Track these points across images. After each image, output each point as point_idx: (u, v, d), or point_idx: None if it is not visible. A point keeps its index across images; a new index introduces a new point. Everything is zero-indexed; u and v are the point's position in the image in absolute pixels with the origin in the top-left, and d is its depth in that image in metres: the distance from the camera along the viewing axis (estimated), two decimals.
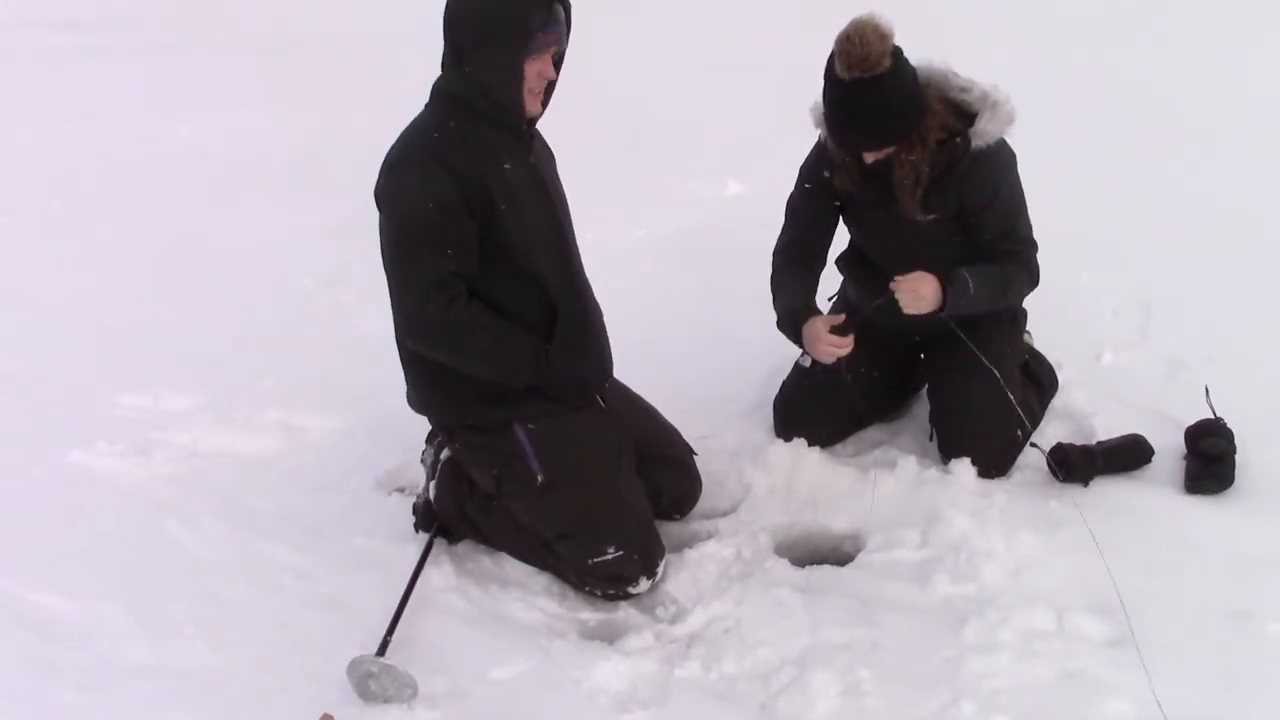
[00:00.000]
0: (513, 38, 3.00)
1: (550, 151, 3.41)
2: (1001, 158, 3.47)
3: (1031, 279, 3.56)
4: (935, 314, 3.36)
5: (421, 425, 3.68)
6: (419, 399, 3.39)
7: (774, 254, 3.76)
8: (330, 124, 7.72)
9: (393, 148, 3.15)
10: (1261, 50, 7.91)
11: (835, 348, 3.42)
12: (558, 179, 3.38)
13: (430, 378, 3.28)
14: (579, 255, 3.40)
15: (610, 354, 3.48)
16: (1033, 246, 3.57)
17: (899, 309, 3.35)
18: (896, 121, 3.30)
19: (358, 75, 8.92)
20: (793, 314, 3.56)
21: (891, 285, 3.35)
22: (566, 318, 3.27)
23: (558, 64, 3.16)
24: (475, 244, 3.10)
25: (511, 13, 2.99)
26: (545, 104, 3.20)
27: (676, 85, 8.12)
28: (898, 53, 3.25)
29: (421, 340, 3.21)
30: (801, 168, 3.71)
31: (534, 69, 3.07)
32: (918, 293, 3.35)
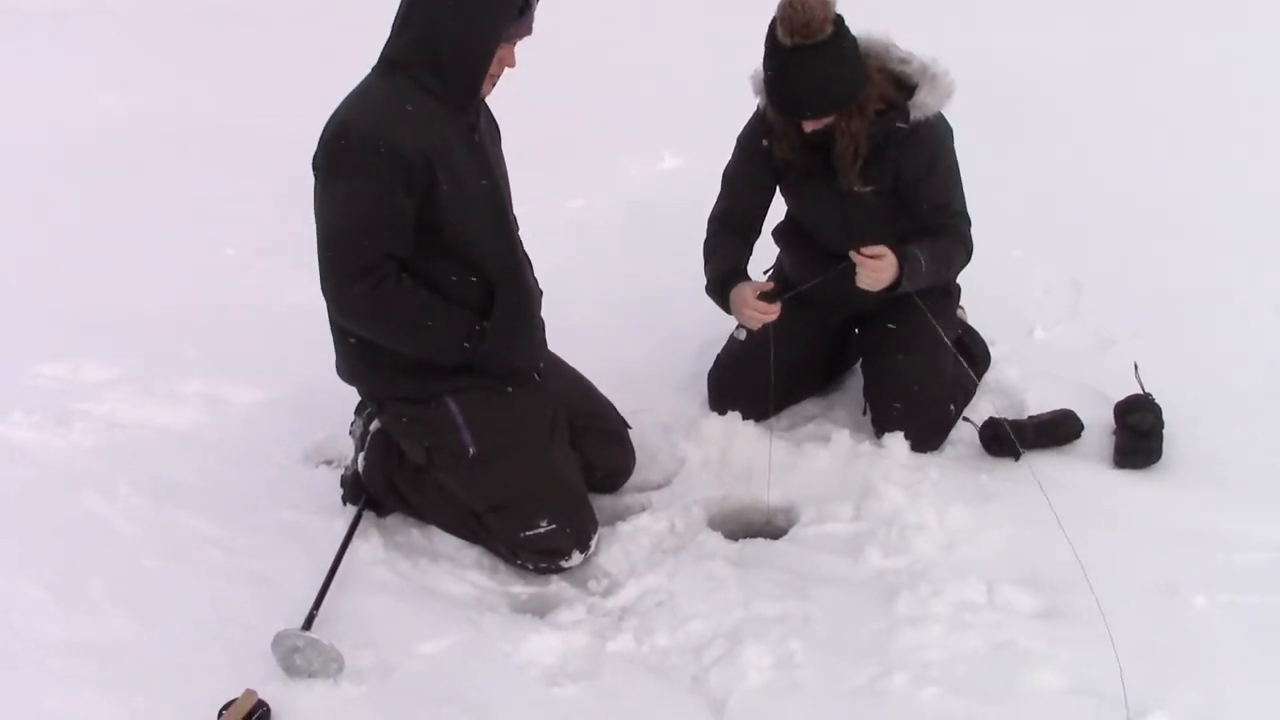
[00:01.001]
0: (495, 18, 2.93)
1: (496, 126, 3.33)
2: (939, 131, 3.46)
3: (967, 253, 3.56)
4: (888, 290, 3.34)
5: (349, 397, 3.62)
6: (348, 369, 3.32)
7: (709, 222, 3.73)
8: (256, 94, 7.58)
9: (335, 116, 3.03)
10: (1203, 34, 7.99)
11: (761, 314, 3.39)
12: (501, 156, 3.30)
13: (360, 348, 3.21)
14: (519, 235, 3.33)
15: (544, 334, 3.43)
16: (967, 221, 3.57)
17: (853, 281, 3.32)
18: (837, 90, 3.28)
19: (286, 44, 8.77)
20: (721, 279, 3.53)
21: (854, 257, 3.28)
22: (503, 301, 3.20)
23: None
24: (411, 226, 3.01)
25: None
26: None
27: (613, 55, 8.07)
28: (839, 21, 3.22)
29: (347, 319, 3.14)
30: (739, 137, 3.68)
31: (506, 53, 3.01)
32: (879, 268, 3.28)
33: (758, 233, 3.74)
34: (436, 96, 2.99)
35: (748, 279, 3.54)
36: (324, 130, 3.02)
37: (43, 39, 9.20)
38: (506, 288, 3.21)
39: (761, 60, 3.32)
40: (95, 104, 7.52)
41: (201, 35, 9.19)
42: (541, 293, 3.39)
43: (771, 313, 3.39)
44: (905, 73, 3.43)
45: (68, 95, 7.68)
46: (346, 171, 2.96)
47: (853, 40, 3.29)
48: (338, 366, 3.35)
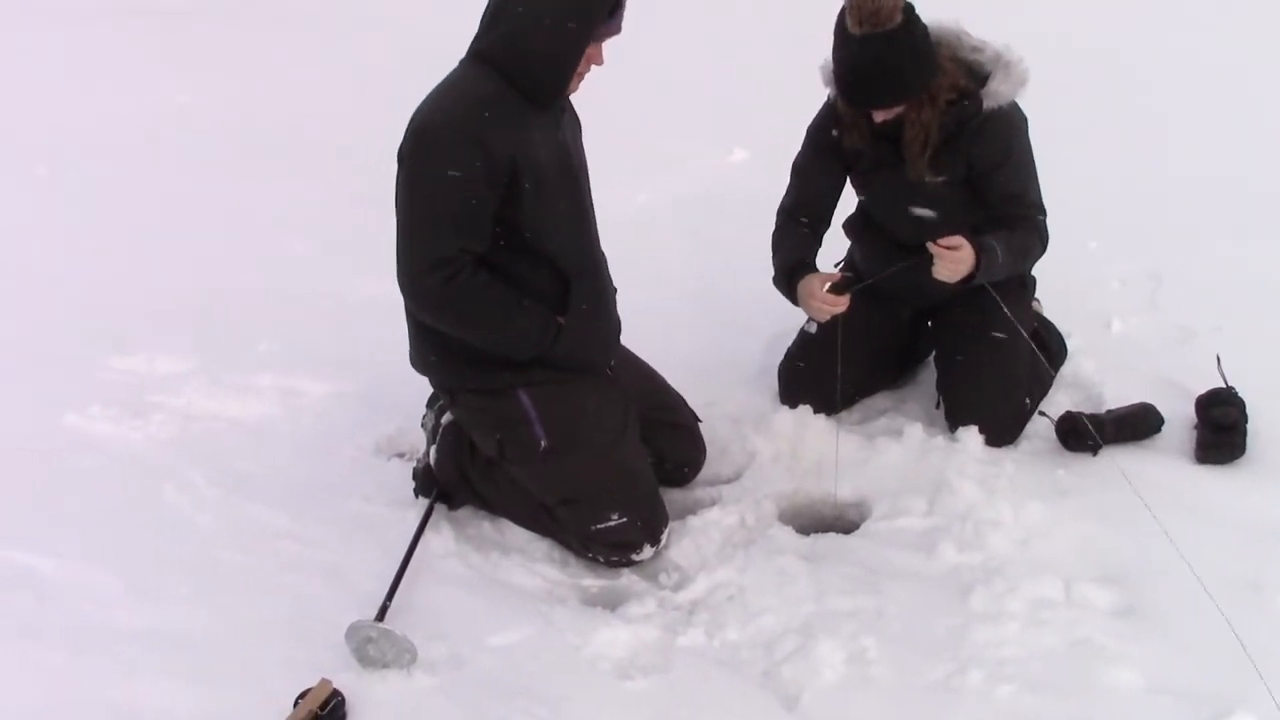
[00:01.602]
0: (587, 17, 2.93)
1: (578, 121, 3.32)
2: (1013, 119, 3.41)
3: (1042, 244, 3.50)
4: (964, 282, 3.29)
5: (420, 391, 3.64)
6: (421, 359, 3.32)
7: (777, 213, 3.70)
8: (328, 94, 7.64)
9: (423, 107, 3.03)
10: None
11: (829, 306, 3.36)
12: (583, 153, 3.29)
13: (433, 339, 3.21)
14: (597, 233, 3.33)
15: (619, 330, 3.43)
16: (1042, 212, 3.51)
17: (928, 273, 3.28)
18: (907, 79, 3.24)
19: (358, 47, 8.83)
20: (789, 271, 3.51)
21: (931, 248, 3.23)
22: (579, 297, 3.19)
23: None
24: (491, 221, 3.01)
25: None
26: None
27: (683, 49, 8.05)
28: (909, 9, 3.18)
29: (421, 310, 3.14)
30: (809, 128, 3.64)
31: (594, 52, 3.01)
32: (957, 259, 3.22)
33: (827, 224, 3.70)
34: (524, 93, 2.98)
35: (816, 270, 3.51)
36: (411, 120, 3.03)
37: (124, 38, 9.33)
38: (583, 284, 3.20)
39: (830, 50, 3.29)
40: (171, 103, 7.62)
41: (270, 38, 9.28)
42: (615, 289, 3.39)
43: (840, 305, 3.36)
44: (978, 61, 3.38)
45: (143, 94, 7.78)
46: (431, 163, 2.96)
47: (923, 29, 3.25)
48: (411, 356, 3.35)
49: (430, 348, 3.24)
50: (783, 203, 3.71)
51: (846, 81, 3.29)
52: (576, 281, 3.18)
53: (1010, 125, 3.41)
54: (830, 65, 3.35)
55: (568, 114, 3.22)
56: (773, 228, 3.67)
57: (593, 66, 3.06)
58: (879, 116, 3.35)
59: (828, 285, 3.38)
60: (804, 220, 3.65)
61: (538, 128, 3.04)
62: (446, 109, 2.99)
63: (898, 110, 3.32)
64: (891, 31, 3.14)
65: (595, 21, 2.95)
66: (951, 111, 3.34)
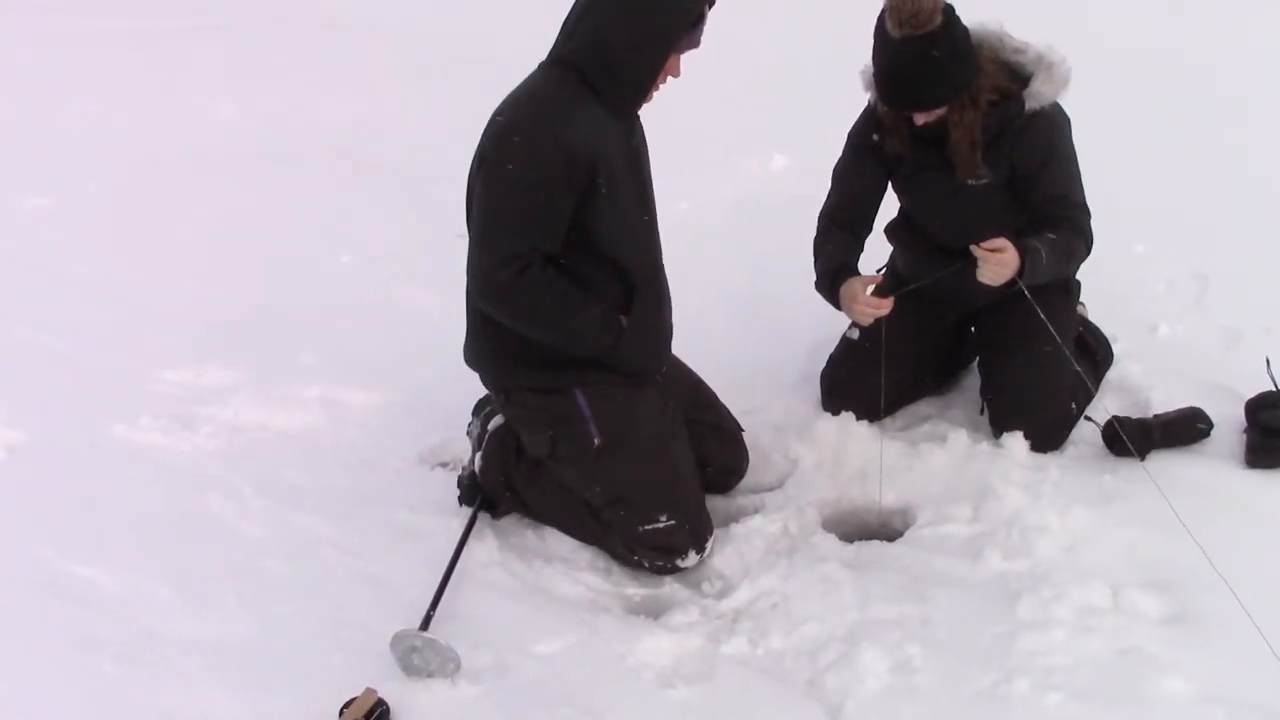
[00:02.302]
0: (669, 29, 2.97)
1: (644, 134, 3.33)
2: (1056, 120, 3.39)
3: (1087, 246, 3.47)
4: (1008, 285, 3.27)
5: (465, 400, 3.66)
6: (477, 356, 3.34)
7: (818, 219, 3.70)
8: (368, 105, 7.69)
9: (505, 112, 3.07)
10: None
11: (872, 309, 3.35)
12: (649, 162, 3.32)
13: (494, 335, 3.23)
14: (660, 243, 3.35)
15: (671, 337, 3.44)
16: (1086, 213, 3.49)
17: (973, 276, 3.25)
18: (948, 81, 3.22)
19: (398, 56, 8.89)
20: (831, 274, 3.49)
21: (975, 251, 3.21)
22: (642, 302, 3.21)
23: None
24: (565, 224, 3.04)
25: (674, 4, 2.96)
26: None
27: (723, 55, 8.03)
28: (949, 10, 3.17)
29: (491, 303, 3.15)
30: (850, 133, 3.64)
31: (672, 66, 3.04)
32: (1001, 261, 3.20)
33: (869, 229, 3.69)
34: (603, 101, 3.02)
35: (858, 274, 3.50)
36: (491, 122, 3.07)
37: (167, 53, 9.43)
38: (646, 290, 3.23)
39: (870, 54, 3.28)
40: (214, 117, 7.70)
41: (313, 48, 9.36)
42: (671, 300, 3.40)
43: (884, 308, 3.34)
44: (1020, 62, 3.36)
45: (188, 110, 7.86)
46: (513, 163, 2.99)
47: (964, 30, 3.24)
48: (466, 352, 3.37)
49: (488, 344, 3.26)
50: (824, 208, 3.70)
51: (887, 84, 3.29)
52: (640, 287, 3.20)
53: (1053, 125, 3.39)
54: (870, 69, 3.34)
55: (639, 123, 3.25)
56: (814, 234, 3.66)
57: (669, 78, 3.08)
58: (920, 119, 3.33)
59: (871, 288, 3.36)
60: (845, 225, 3.64)
61: (614, 133, 3.08)
62: (529, 110, 3.03)
63: (939, 112, 3.30)
64: (932, 33, 3.13)
65: (678, 33, 2.98)
66: (994, 113, 3.32)
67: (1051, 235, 3.33)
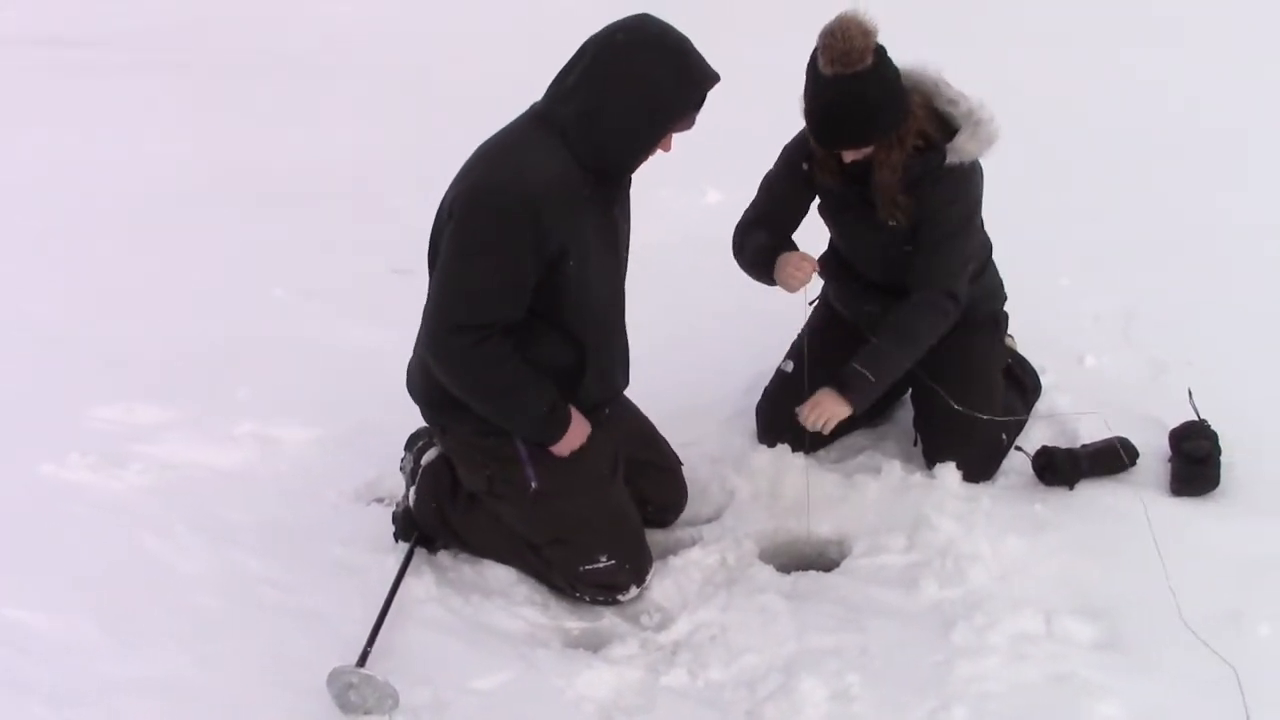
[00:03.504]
0: (674, 110, 2.94)
1: (629, 203, 3.29)
2: (968, 179, 3.42)
3: (943, 317, 3.47)
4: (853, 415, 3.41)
5: (399, 435, 3.64)
6: (418, 388, 3.28)
7: (738, 225, 3.68)
8: (309, 142, 7.64)
9: (480, 167, 2.99)
10: (1255, 55, 7.95)
11: (806, 264, 3.40)
12: (629, 228, 3.28)
13: None
14: (624, 311, 3.33)
15: (622, 385, 3.45)
16: (951, 279, 3.49)
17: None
18: (876, 120, 3.27)
19: (332, 93, 8.86)
20: (764, 250, 3.51)
21: (796, 411, 3.39)
22: (590, 371, 3.19)
23: None
24: (530, 292, 2.98)
25: (679, 87, 2.92)
26: None
27: None
28: (880, 51, 3.22)
29: (438, 364, 3.08)
30: (785, 146, 3.64)
31: (665, 141, 3.01)
32: (820, 409, 3.36)
33: (789, 241, 3.65)
34: (587, 169, 2.96)
35: (794, 247, 3.52)
36: (466, 177, 3.00)
37: (116, 89, 9.32)
38: (597, 353, 3.21)
39: (802, 91, 3.33)
40: (141, 151, 7.61)
41: (246, 84, 9.29)
42: (628, 349, 3.42)
43: (810, 263, 3.41)
44: (950, 114, 3.39)
45: (114, 143, 7.77)
46: (482, 226, 2.92)
47: (895, 71, 3.29)
48: (409, 379, 3.33)
49: (434, 380, 3.16)
50: (745, 215, 3.69)
51: (816, 121, 3.33)
52: (591, 351, 3.18)
53: (963, 181, 3.41)
54: None
55: (623, 193, 3.22)
56: (732, 236, 3.67)
57: (659, 152, 3.04)
58: (848, 156, 3.38)
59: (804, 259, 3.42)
60: (765, 227, 3.62)
61: (593, 209, 3.02)
62: (507, 174, 2.93)
63: (866, 151, 3.34)
64: (861, 73, 3.17)
65: (681, 116, 2.96)
66: (915, 159, 3.36)
67: (876, 346, 3.42)
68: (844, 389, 3.36)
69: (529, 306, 3.02)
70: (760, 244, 3.55)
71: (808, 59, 3.25)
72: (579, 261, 3.00)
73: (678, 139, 3.03)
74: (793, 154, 3.62)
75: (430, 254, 3.11)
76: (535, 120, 3.01)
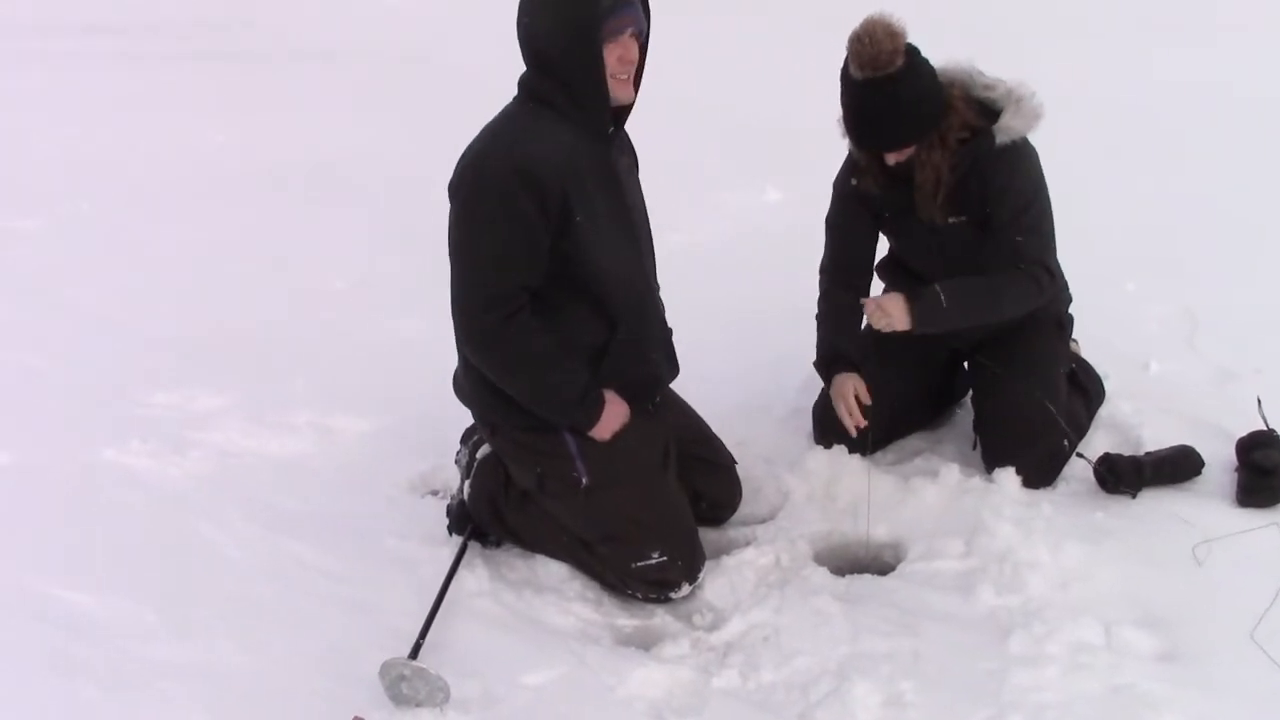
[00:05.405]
0: (585, 25, 2.93)
1: (634, 154, 3.31)
2: (1023, 153, 3.39)
3: (1038, 289, 3.43)
4: (911, 330, 3.37)
5: (455, 427, 3.65)
6: (465, 390, 3.31)
7: (819, 273, 3.73)
8: (360, 131, 7.72)
9: (475, 145, 3.05)
10: None
11: (851, 420, 3.50)
12: (638, 185, 3.29)
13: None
14: (653, 270, 3.32)
15: (669, 374, 3.43)
16: (1042, 250, 3.46)
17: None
18: (912, 120, 3.25)
19: (390, 83, 8.93)
20: (826, 363, 3.62)
21: (862, 302, 3.37)
22: (622, 339, 3.18)
23: (643, 46, 3.08)
24: (546, 256, 3.01)
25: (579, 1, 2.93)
26: (636, 87, 3.11)
27: (715, 89, 8.10)
28: (911, 51, 3.20)
29: (473, 349, 3.12)
30: (834, 182, 3.66)
31: (614, 54, 2.99)
32: (883, 309, 3.34)
33: (868, 278, 3.72)
34: (570, 120, 3.00)
35: (853, 366, 3.57)
36: (463, 157, 3.05)
37: (160, 77, 9.45)
38: (628, 324, 3.19)
39: (839, 97, 3.30)
40: (211, 143, 7.71)
41: (296, 74, 9.38)
42: (671, 330, 3.40)
43: (859, 423, 3.50)
44: (990, 98, 3.37)
45: (183, 134, 7.88)
46: (484, 200, 2.97)
47: (929, 69, 3.26)
48: (456, 385, 3.35)
49: (479, 377, 3.20)
50: (822, 262, 3.73)
51: (853, 125, 3.34)
52: (620, 323, 3.17)
53: (1019, 156, 3.38)
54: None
55: (621, 145, 3.22)
56: (818, 288, 3.70)
57: (630, 68, 3.04)
58: (891, 158, 3.36)
59: (858, 397, 3.50)
60: (843, 282, 3.67)
61: (591, 163, 3.05)
62: (498, 145, 3.01)
63: (909, 152, 3.32)
64: (893, 74, 3.16)
65: (594, 24, 2.93)
66: (965, 150, 3.33)
67: (968, 278, 3.38)
68: (913, 300, 3.33)
69: (553, 275, 3.04)
70: (822, 351, 3.67)
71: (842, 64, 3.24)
72: (588, 218, 3.01)
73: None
74: (842, 182, 3.63)
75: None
76: (518, 95, 3.10)
